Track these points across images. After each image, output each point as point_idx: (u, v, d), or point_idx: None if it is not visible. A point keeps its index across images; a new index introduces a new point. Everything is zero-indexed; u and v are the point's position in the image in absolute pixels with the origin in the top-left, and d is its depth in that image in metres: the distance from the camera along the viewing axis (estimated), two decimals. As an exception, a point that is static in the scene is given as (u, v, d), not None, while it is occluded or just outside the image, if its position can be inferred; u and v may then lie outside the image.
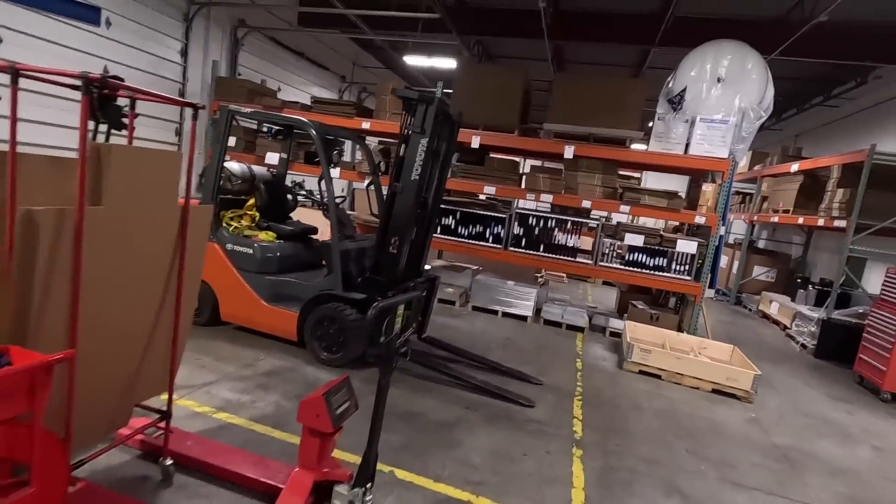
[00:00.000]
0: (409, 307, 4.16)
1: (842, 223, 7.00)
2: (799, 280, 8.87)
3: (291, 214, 5.34)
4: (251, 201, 4.78)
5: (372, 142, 7.51)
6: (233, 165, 4.79)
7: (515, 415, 3.78)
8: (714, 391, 4.85)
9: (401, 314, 2.50)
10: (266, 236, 4.53)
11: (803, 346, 7.37)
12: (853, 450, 4.09)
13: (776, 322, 8.87)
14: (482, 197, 8.90)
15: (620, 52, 10.04)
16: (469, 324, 6.12)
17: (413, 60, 10.69)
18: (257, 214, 4.70)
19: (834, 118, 10.58)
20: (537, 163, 9.65)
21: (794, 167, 8.71)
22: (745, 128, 5.72)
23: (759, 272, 10.71)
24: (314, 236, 5.03)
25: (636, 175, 11.44)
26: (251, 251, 4.35)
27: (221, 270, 4.39)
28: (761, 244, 12.87)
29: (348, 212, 11.03)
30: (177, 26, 7.58)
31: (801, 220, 8.27)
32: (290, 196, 5.14)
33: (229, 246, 4.41)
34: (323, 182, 4.23)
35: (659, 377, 5.03)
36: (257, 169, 5.04)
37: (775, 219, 9.23)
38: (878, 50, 7.52)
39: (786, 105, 12.03)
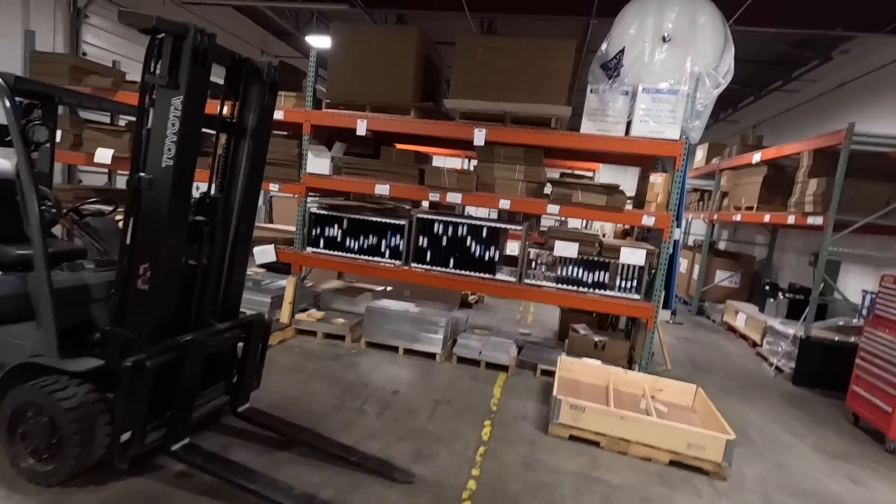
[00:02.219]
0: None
1: (817, 220, 5.78)
2: (767, 287, 7.70)
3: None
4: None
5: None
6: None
7: (339, 565, 2.21)
8: (672, 463, 3.42)
9: None
10: (-35, 266, 2.83)
11: (778, 369, 6.10)
12: (877, 562, 2.71)
13: (743, 336, 7.66)
14: (425, 204, 7.40)
15: (557, 31, 8.73)
16: (352, 370, 4.53)
17: (319, 42, 9.09)
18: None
19: (794, 104, 9.58)
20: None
21: (757, 157, 7.55)
22: (700, 99, 4.39)
23: (722, 277, 9.56)
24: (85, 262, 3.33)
25: (588, 171, 10.17)
26: (-80, 292, 2.65)
27: None
28: (722, 245, 11.82)
29: (265, 224, 9.28)
30: (-29, -15, 5.77)
31: (767, 218, 7.09)
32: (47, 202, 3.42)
33: None
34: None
35: (597, 444, 3.57)
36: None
37: (738, 217, 8.06)
38: (847, 15, 6.41)
39: (741, 94, 11.05)
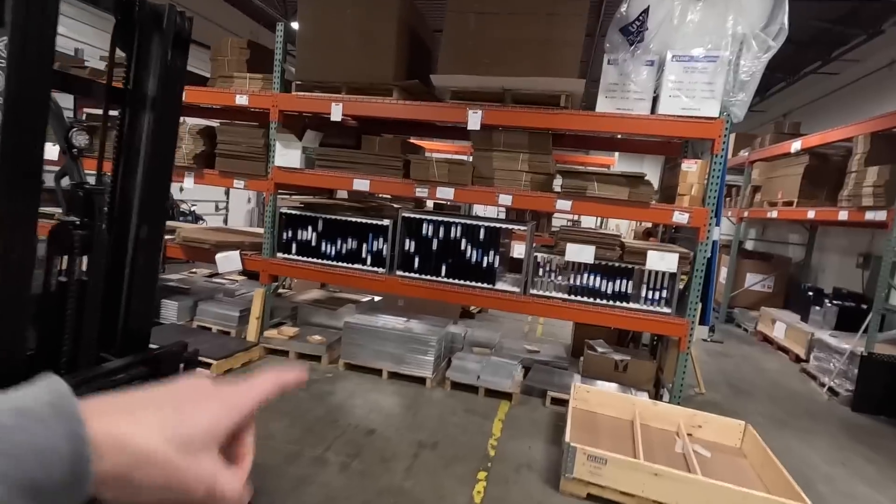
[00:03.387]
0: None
1: (879, 215, 4.89)
2: (810, 293, 6.79)
3: None
4: None
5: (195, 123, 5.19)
6: None
7: None
8: (725, 535, 2.59)
9: None
10: None
11: (832, 391, 5.21)
12: None
13: (783, 349, 6.76)
14: (431, 204, 6.64)
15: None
16: (322, 402, 3.77)
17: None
18: None
19: (833, 88, 8.62)
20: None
21: (796, 145, 6.66)
22: (745, 67, 3.56)
23: (754, 281, 8.65)
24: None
25: (602, 168, 9.33)
26: None
27: None
28: (749, 245, 10.87)
29: (222, 225, 8.63)
30: None
31: (812, 214, 6.19)
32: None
33: None
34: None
35: (623, 507, 2.76)
36: None
37: (774, 214, 7.16)
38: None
39: (770, 80, 10.11)
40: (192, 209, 8.54)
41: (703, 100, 3.60)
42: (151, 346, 2.35)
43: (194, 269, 6.76)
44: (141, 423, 0.39)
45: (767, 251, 9.92)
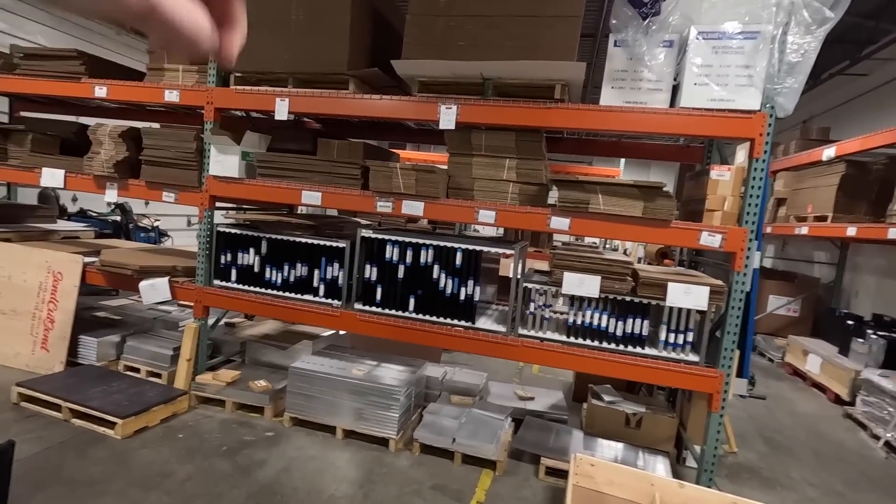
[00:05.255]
0: None
1: (945, 234, 4.04)
2: (848, 321, 5.89)
3: None
4: None
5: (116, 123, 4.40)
6: None
7: None
8: None
9: None
10: None
11: (890, 446, 4.30)
12: None
13: (818, 385, 5.86)
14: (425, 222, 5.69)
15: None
16: (247, 477, 2.92)
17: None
18: None
19: (862, 91, 7.80)
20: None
21: (829, 152, 5.83)
22: (795, 45, 2.75)
23: (777, 304, 7.74)
24: None
25: (609, 174, 8.51)
26: None
27: None
28: (767, 263, 9.97)
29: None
30: None
31: (852, 231, 5.33)
32: None
33: None
34: None
35: None
36: None
37: (803, 230, 6.30)
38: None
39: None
40: (156, 225, 7.76)
41: (739, 88, 2.79)
42: None
43: (144, 294, 5.94)
44: None
45: (788, 269, 9.03)
